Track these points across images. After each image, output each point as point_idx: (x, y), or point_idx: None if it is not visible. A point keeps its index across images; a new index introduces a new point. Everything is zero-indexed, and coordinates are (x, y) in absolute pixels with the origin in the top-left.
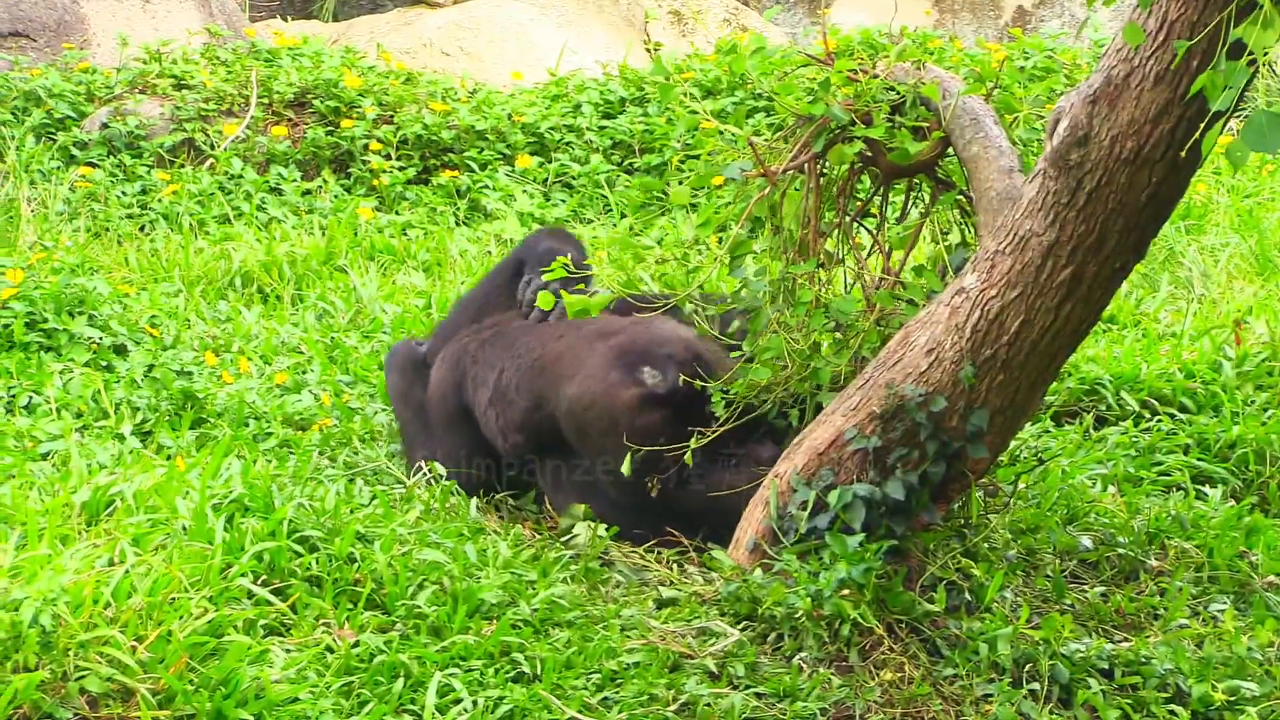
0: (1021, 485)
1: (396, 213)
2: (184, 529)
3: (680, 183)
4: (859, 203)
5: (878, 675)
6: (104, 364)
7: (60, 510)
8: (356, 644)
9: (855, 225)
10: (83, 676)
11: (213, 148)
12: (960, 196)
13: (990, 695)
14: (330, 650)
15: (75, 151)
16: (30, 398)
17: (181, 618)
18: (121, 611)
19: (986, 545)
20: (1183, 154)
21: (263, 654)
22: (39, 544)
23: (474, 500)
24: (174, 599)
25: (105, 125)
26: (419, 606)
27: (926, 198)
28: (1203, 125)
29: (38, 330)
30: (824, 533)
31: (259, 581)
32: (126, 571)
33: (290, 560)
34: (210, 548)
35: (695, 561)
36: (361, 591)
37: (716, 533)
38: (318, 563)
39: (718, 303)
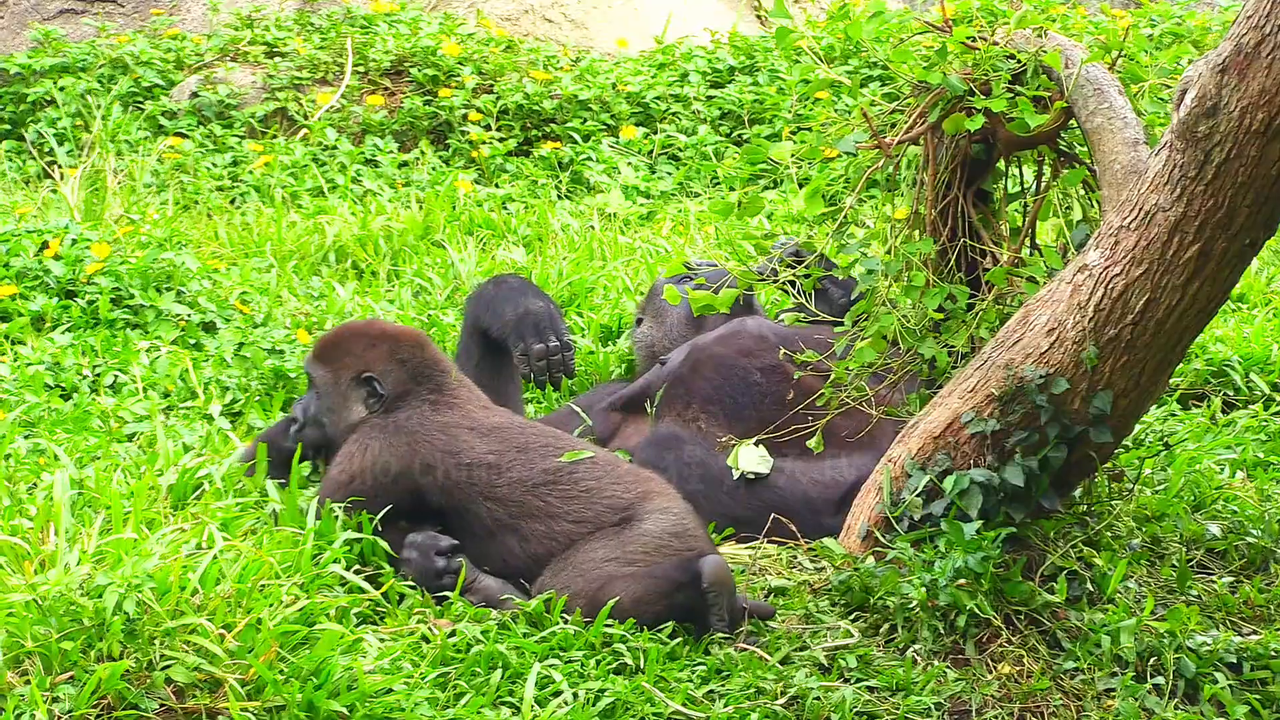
0: (1146, 471)
1: (496, 185)
2: (274, 514)
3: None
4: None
5: (995, 668)
6: (192, 342)
7: (146, 493)
8: (452, 634)
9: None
10: (168, 666)
11: (306, 118)
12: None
13: (1113, 690)
14: (426, 640)
15: (164, 121)
16: (116, 377)
17: (271, 605)
18: (209, 599)
19: (1109, 533)
20: None
21: (356, 643)
22: (124, 528)
23: None
24: (264, 586)
25: (195, 94)
26: None
27: (1048, 171)
28: None
29: (124, 307)
30: (939, 520)
31: (352, 569)
32: (214, 557)
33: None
34: (301, 533)
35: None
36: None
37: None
38: None
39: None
